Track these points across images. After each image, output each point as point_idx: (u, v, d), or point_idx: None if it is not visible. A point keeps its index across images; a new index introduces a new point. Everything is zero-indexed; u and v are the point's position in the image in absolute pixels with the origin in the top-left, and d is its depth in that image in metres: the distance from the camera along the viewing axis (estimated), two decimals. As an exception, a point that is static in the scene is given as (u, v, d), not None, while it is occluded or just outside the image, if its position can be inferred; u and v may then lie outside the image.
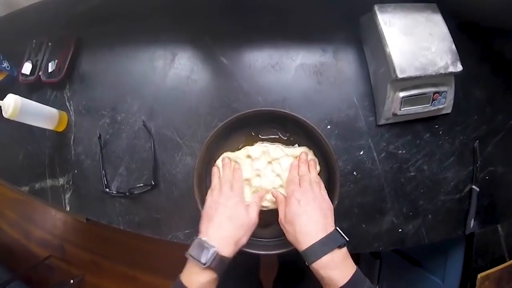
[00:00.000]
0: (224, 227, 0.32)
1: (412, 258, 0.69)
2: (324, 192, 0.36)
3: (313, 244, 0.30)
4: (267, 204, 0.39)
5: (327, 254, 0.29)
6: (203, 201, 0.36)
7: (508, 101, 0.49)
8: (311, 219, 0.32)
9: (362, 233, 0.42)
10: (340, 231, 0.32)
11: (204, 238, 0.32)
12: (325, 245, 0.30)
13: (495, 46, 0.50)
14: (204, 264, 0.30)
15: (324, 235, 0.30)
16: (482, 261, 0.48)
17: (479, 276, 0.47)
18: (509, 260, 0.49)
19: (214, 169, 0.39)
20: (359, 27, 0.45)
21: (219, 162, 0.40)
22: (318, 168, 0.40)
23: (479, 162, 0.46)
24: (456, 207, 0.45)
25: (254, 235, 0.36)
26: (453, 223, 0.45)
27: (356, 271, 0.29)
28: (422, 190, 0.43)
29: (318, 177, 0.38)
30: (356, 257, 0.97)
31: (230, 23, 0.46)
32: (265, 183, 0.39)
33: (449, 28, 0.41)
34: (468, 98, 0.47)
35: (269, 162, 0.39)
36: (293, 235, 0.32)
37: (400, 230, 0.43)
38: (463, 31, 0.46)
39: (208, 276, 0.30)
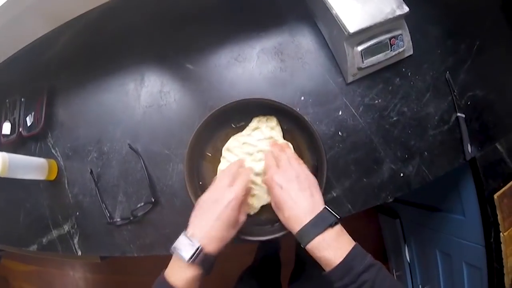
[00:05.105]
0: (210, 226, 0.31)
1: (428, 206, 0.69)
2: (304, 167, 0.35)
3: (303, 226, 0.30)
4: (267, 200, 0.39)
5: (319, 235, 0.29)
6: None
7: (467, 30, 0.51)
8: (297, 202, 0.31)
9: (365, 187, 0.42)
10: (329, 209, 0.31)
11: (189, 235, 0.31)
12: (315, 226, 0.29)
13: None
14: (188, 261, 0.29)
15: (313, 216, 0.30)
16: (494, 182, 0.48)
17: (495, 196, 0.47)
18: (520, 172, 0.49)
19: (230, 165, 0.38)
20: (305, 1, 0.48)
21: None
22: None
23: (456, 91, 0.48)
24: (448, 137, 0.46)
25: (254, 223, 0.37)
26: (452, 153, 0.45)
27: (353, 247, 0.29)
28: (409, 131, 0.44)
29: (295, 153, 0.38)
30: (376, 224, 0.97)
31: (186, 31, 0.48)
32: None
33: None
34: (426, 36, 0.49)
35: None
36: (284, 221, 0.32)
37: (401, 174, 0.43)
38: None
39: (192, 272, 0.30)
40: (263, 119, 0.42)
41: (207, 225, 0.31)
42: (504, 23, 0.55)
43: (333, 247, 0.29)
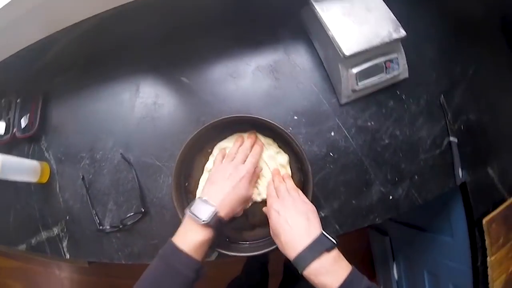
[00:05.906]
0: (226, 193, 0.34)
1: (418, 226, 0.69)
2: (303, 196, 0.36)
3: (300, 252, 0.30)
4: (256, 198, 0.40)
5: (315, 260, 0.29)
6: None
7: (463, 53, 0.51)
8: (293, 226, 0.31)
9: (354, 209, 0.42)
10: (326, 234, 0.31)
11: (205, 198, 0.33)
12: (312, 251, 0.29)
13: (442, 6, 0.52)
14: (204, 221, 0.31)
15: (309, 240, 0.30)
16: (483, 206, 0.48)
17: (484, 221, 0.47)
18: (510, 198, 0.49)
19: (239, 138, 0.41)
20: (301, 20, 0.48)
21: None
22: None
23: (449, 115, 0.48)
24: (439, 162, 0.46)
25: (241, 239, 0.38)
26: (442, 178, 0.45)
27: (350, 272, 0.29)
28: (401, 155, 0.45)
29: (294, 185, 0.38)
30: (366, 238, 0.97)
31: (182, 45, 0.49)
32: None
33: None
34: (422, 59, 0.49)
35: None
36: (281, 247, 0.32)
37: (390, 197, 0.43)
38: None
39: (206, 234, 0.31)
40: (274, 148, 0.41)
41: (223, 193, 0.34)
42: (502, 44, 0.55)
43: (330, 272, 0.29)
